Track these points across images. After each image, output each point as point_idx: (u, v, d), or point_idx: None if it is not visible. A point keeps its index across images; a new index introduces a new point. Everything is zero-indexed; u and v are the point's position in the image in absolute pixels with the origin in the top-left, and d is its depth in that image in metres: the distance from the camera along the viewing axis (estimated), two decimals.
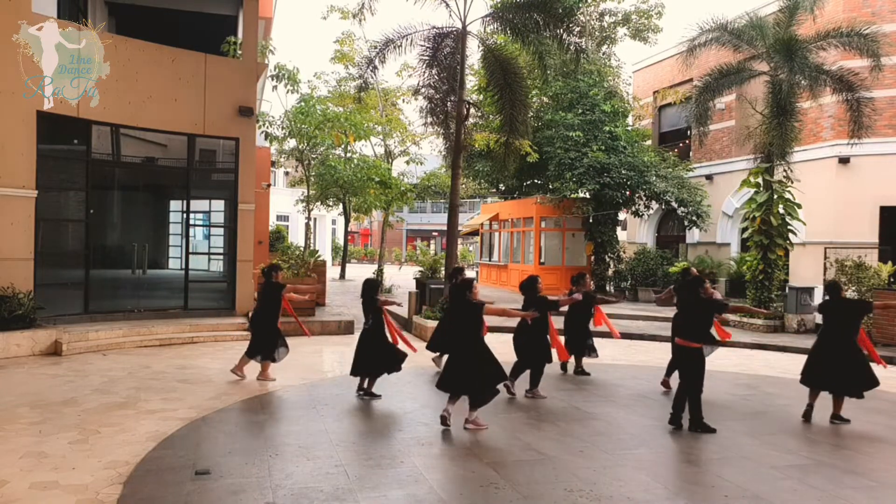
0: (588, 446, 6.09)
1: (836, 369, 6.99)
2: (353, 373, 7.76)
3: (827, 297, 7.33)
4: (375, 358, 7.63)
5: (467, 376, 6.36)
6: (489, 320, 7.30)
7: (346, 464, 5.39)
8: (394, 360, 7.69)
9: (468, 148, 18.09)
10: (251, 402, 7.38)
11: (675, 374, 7.71)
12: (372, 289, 7.87)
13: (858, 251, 13.77)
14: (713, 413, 7.51)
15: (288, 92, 17.60)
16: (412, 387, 8.45)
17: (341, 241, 34.73)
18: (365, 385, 7.76)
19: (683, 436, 6.52)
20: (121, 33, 14.03)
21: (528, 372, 8.02)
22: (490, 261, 26.12)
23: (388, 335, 7.85)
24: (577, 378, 9.21)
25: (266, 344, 8.28)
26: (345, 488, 4.85)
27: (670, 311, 18.10)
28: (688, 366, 6.75)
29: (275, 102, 22.86)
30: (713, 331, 7.52)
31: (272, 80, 17.78)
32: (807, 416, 7.18)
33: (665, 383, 8.54)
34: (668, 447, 6.12)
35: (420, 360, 9.71)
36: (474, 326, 6.50)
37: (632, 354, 11.65)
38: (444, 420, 6.42)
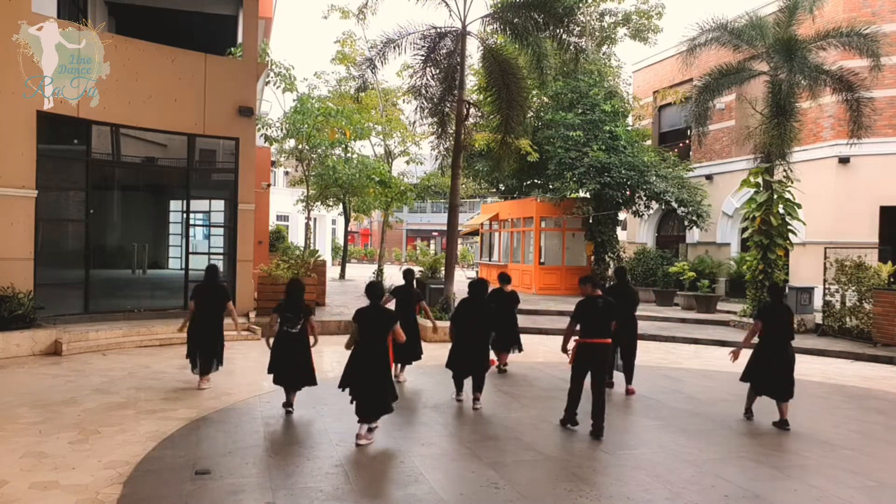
0: (588, 446, 6.09)
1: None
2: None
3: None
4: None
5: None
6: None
7: (346, 464, 5.39)
8: None
9: (468, 148, 18.07)
10: (251, 402, 7.38)
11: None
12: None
13: (858, 251, 13.75)
14: (714, 413, 7.52)
15: (283, 91, 17.56)
16: (412, 387, 8.44)
17: (341, 241, 34.71)
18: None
19: (683, 436, 6.52)
20: (121, 33, 14.03)
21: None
22: (490, 261, 26.12)
23: None
24: None
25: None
26: (345, 488, 4.85)
27: (669, 311, 18.03)
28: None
29: (273, 103, 22.72)
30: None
31: (266, 75, 17.73)
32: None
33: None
34: (668, 447, 6.12)
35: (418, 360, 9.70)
36: None
37: None
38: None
